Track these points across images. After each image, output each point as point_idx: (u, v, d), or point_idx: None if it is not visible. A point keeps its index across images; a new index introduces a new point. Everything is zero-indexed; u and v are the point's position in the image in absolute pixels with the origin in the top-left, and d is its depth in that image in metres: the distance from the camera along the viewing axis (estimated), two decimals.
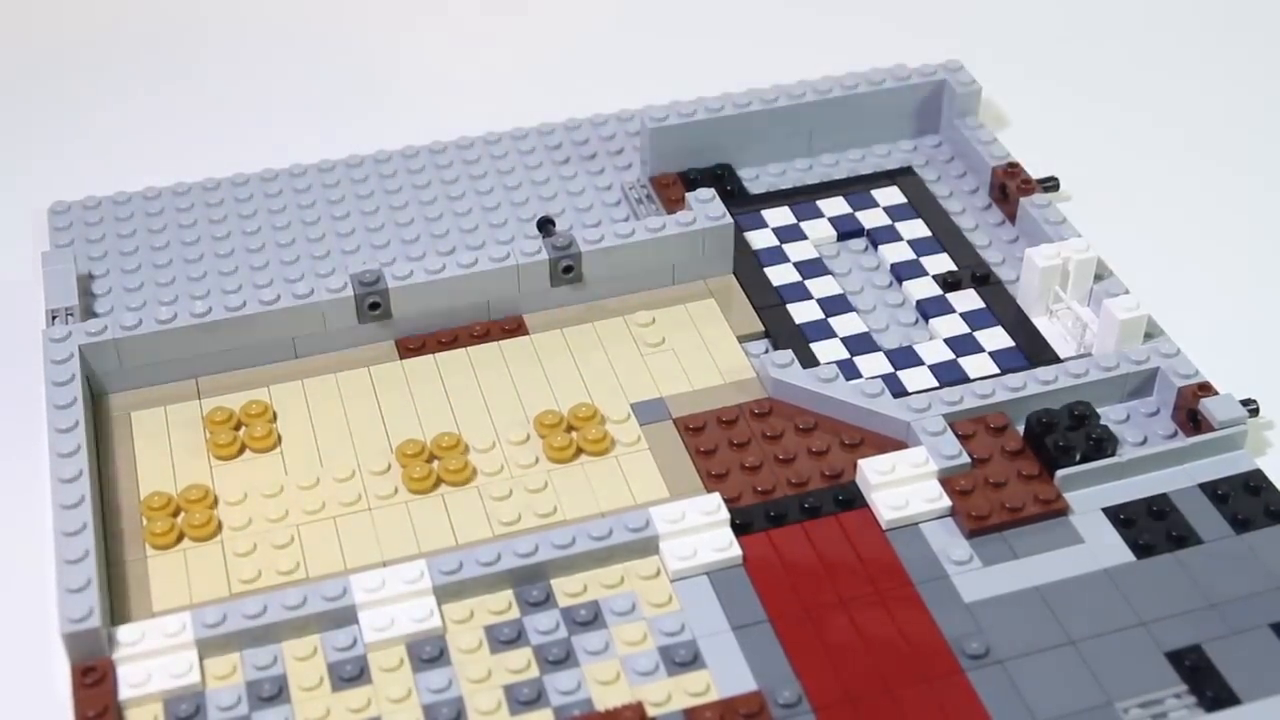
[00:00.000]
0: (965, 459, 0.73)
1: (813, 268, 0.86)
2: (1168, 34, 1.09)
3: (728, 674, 0.66)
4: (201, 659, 0.67)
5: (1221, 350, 0.78)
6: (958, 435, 0.74)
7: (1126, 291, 0.81)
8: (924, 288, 0.85)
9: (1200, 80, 1.04)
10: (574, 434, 0.76)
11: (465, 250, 0.88)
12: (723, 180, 0.92)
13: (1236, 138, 0.99)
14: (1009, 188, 0.88)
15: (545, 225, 0.88)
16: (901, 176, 0.93)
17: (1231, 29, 1.09)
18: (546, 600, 0.69)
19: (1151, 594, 0.69)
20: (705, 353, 0.81)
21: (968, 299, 0.84)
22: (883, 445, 0.75)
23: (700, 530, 0.71)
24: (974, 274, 0.85)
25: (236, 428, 0.77)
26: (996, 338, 0.82)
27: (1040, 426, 0.74)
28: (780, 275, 0.86)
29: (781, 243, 0.88)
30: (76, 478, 0.71)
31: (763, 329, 0.82)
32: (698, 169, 0.92)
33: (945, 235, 0.88)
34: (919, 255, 0.87)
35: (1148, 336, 0.79)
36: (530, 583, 0.69)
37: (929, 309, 0.84)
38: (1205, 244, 0.90)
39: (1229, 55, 1.07)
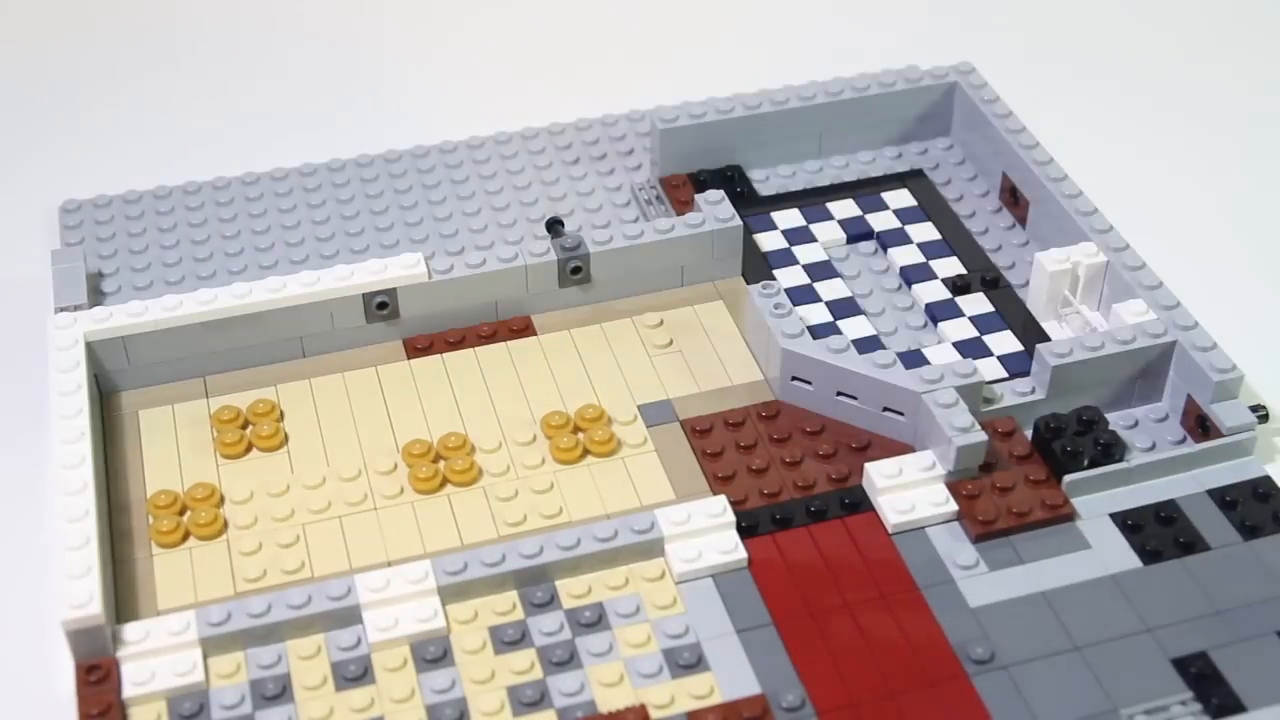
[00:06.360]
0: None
1: (822, 270, 0.86)
2: (1177, 34, 1.09)
3: (731, 677, 0.66)
4: (205, 657, 0.67)
5: (1229, 355, 0.78)
6: None
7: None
8: (933, 291, 0.85)
9: (1214, 80, 1.04)
10: (581, 435, 0.76)
11: (474, 250, 0.88)
12: (732, 182, 0.92)
13: (1247, 139, 0.98)
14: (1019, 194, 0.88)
15: (554, 226, 0.88)
16: (912, 179, 0.92)
17: (1244, 24, 1.09)
18: (551, 601, 0.69)
19: (1158, 600, 0.69)
20: (713, 355, 0.81)
21: (977, 302, 0.84)
22: (890, 449, 0.75)
23: (706, 533, 0.71)
24: (983, 277, 0.85)
25: (243, 426, 0.77)
26: (1005, 342, 0.81)
27: (1048, 431, 0.74)
28: (789, 277, 0.86)
29: (791, 245, 0.88)
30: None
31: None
32: (707, 170, 0.92)
33: (955, 238, 0.88)
34: (928, 258, 0.87)
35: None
36: (535, 584, 0.69)
37: (938, 312, 0.83)
38: (1213, 248, 0.90)
39: (1240, 51, 1.06)
